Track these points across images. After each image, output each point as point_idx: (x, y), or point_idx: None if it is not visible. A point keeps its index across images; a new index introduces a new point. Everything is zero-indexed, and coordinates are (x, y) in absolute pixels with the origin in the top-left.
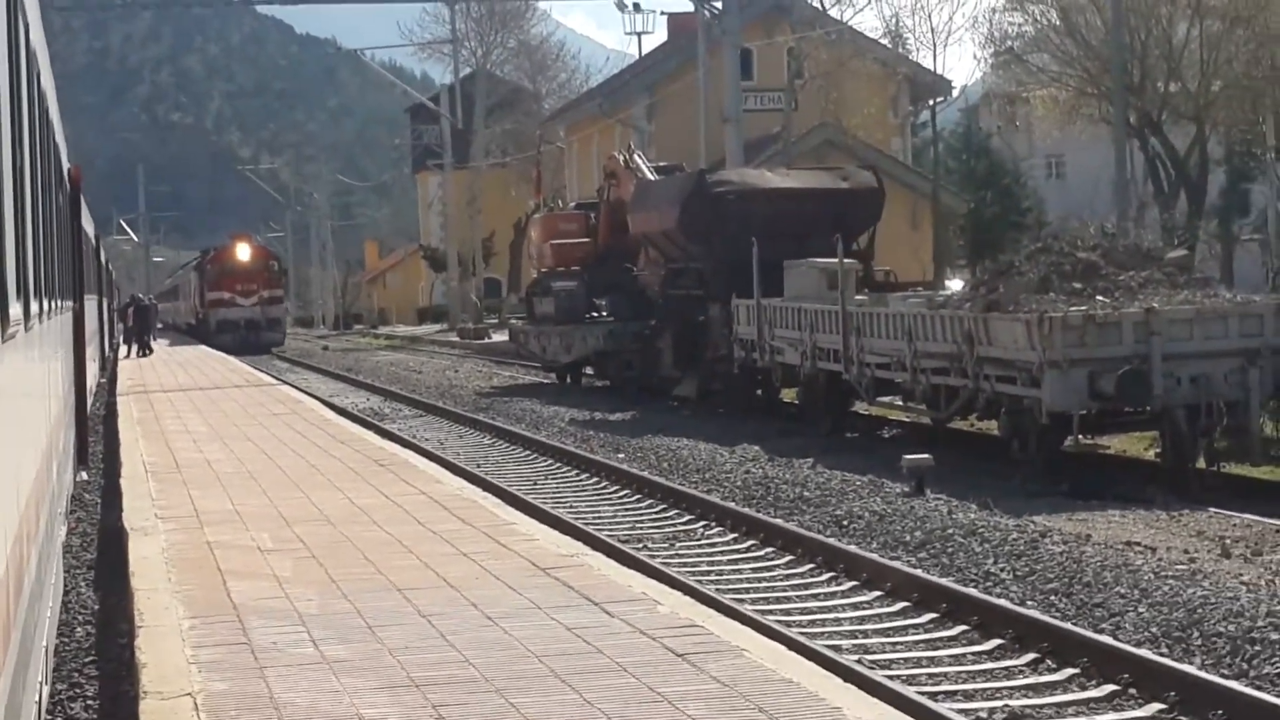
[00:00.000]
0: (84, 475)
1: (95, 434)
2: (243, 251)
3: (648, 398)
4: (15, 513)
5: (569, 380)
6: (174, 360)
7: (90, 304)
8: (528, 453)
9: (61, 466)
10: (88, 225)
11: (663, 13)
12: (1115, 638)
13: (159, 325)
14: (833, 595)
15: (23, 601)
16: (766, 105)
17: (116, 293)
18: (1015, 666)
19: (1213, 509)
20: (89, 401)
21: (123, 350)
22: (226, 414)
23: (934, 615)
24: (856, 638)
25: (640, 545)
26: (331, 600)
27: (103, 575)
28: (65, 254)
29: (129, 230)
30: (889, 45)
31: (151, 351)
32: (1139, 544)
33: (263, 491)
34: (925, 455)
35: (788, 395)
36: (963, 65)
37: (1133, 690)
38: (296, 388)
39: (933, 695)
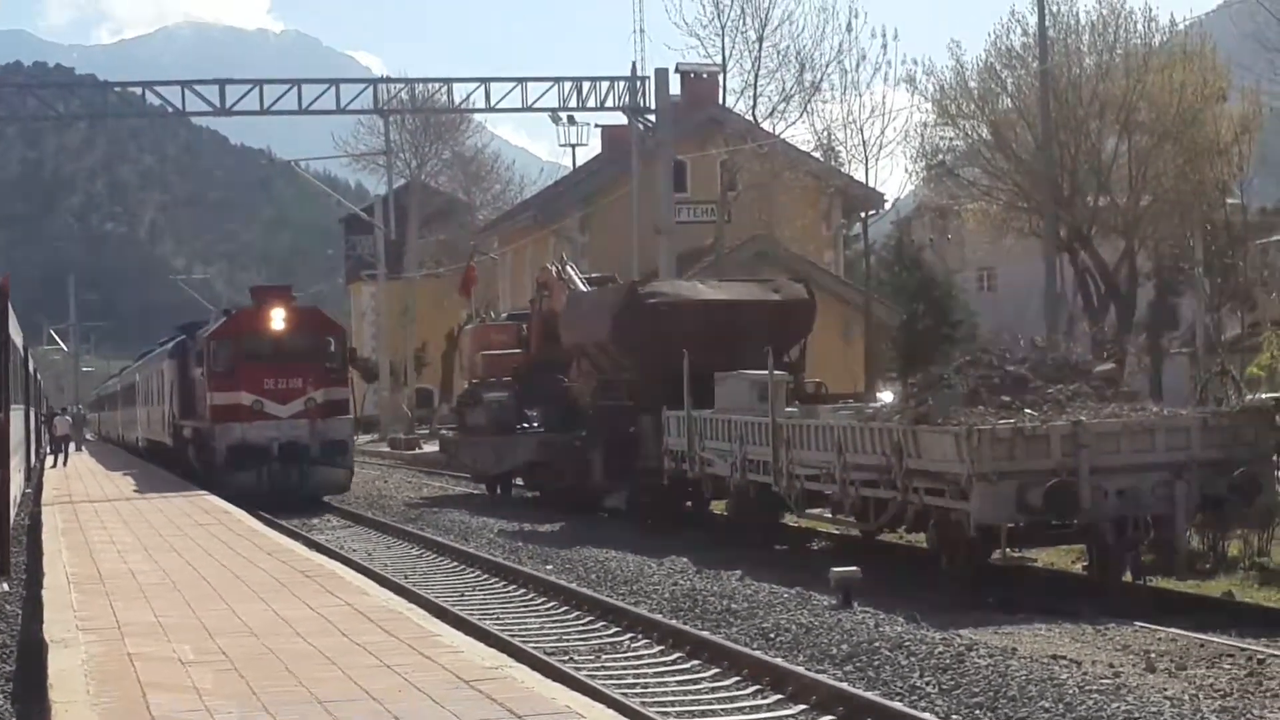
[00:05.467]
0: (5, 586)
1: (18, 544)
2: (278, 318)
3: (578, 509)
4: None
5: (499, 491)
6: (100, 470)
7: (16, 414)
8: (456, 564)
9: None
10: (15, 335)
11: (597, 125)
12: None
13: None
14: (758, 709)
15: None
16: (699, 217)
17: (45, 402)
18: None
19: (1138, 623)
20: (13, 512)
21: (49, 460)
22: (152, 524)
23: None
24: None
25: (566, 658)
26: (252, 713)
27: (21, 688)
28: None
29: (59, 340)
30: (821, 159)
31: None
32: (1064, 658)
33: (186, 603)
34: (853, 568)
35: (717, 507)
36: (894, 179)
37: None
38: (224, 497)
39: None
